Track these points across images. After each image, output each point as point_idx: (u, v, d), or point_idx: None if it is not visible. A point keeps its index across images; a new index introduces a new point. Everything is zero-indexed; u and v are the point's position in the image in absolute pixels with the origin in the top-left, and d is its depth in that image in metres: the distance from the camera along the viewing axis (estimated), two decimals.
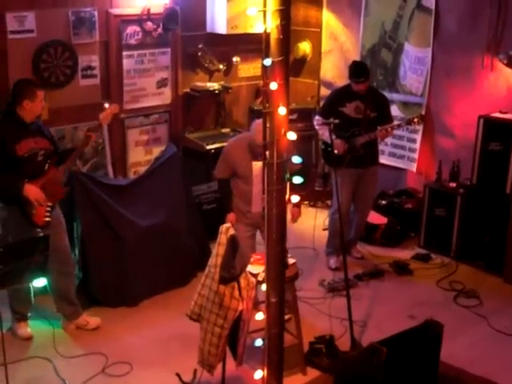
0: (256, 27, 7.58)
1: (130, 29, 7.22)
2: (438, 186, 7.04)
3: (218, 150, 6.82)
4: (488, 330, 5.60)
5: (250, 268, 4.69)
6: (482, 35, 6.73)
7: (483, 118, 6.54)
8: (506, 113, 6.52)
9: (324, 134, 6.27)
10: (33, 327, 5.44)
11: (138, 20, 7.26)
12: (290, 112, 3.43)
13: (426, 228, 7.12)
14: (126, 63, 7.28)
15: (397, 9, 7.55)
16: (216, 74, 8.03)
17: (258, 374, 3.71)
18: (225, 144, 6.11)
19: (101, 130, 6.61)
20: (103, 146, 7.14)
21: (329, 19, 8.31)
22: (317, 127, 6.49)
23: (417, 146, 7.53)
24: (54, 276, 5.35)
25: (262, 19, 3.23)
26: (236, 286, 4.19)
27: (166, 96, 7.70)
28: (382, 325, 5.48)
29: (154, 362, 5.09)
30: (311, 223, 7.07)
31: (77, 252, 5.78)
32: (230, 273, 4.13)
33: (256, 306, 4.78)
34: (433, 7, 7.13)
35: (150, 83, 7.52)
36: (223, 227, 4.30)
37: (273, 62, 3.20)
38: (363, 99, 6.34)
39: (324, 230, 7.08)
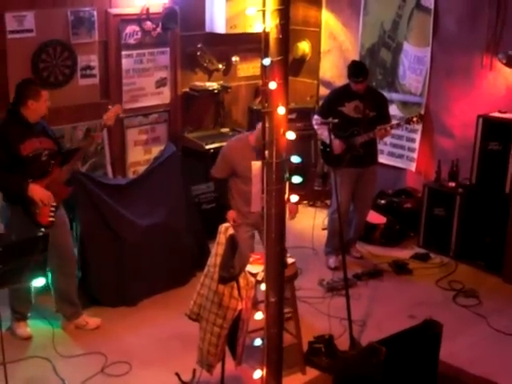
0: (255, 27, 7.58)
1: (129, 28, 7.22)
2: (437, 186, 7.04)
3: (217, 150, 6.80)
4: (487, 329, 5.60)
5: (250, 267, 4.69)
6: (482, 35, 6.73)
7: (482, 118, 6.54)
8: (505, 112, 6.52)
9: (323, 133, 6.27)
10: (32, 327, 5.44)
11: (137, 20, 7.26)
12: (289, 111, 3.43)
13: (425, 228, 7.12)
14: (125, 63, 7.27)
15: (396, 8, 7.55)
16: (215, 74, 8.02)
17: (257, 374, 3.71)
18: (224, 144, 6.11)
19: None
20: (102, 146, 7.13)
21: (328, 19, 8.31)
22: (316, 127, 6.49)
23: (416, 145, 7.53)
24: (56, 276, 5.36)
25: (261, 19, 3.23)
26: (235, 285, 4.19)
27: (165, 96, 7.70)
28: (382, 324, 5.48)
29: (154, 361, 5.09)
30: (310, 223, 7.08)
31: (76, 252, 5.77)
32: (230, 272, 4.13)
33: (255, 306, 4.79)
34: (432, 7, 7.13)
35: (149, 83, 7.52)
36: (222, 227, 4.30)
37: (272, 61, 3.20)
38: (362, 99, 6.35)
39: (323, 229, 7.09)
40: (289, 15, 3.19)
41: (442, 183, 7.01)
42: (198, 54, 7.78)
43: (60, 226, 5.26)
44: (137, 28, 7.27)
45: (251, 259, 4.88)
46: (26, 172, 5.00)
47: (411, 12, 7.39)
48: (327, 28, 8.33)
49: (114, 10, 7.05)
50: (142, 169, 7.15)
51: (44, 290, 5.37)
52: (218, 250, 4.24)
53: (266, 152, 3.33)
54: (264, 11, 3.19)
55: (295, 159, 3.43)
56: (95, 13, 6.87)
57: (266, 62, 3.21)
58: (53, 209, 5.14)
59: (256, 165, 5.21)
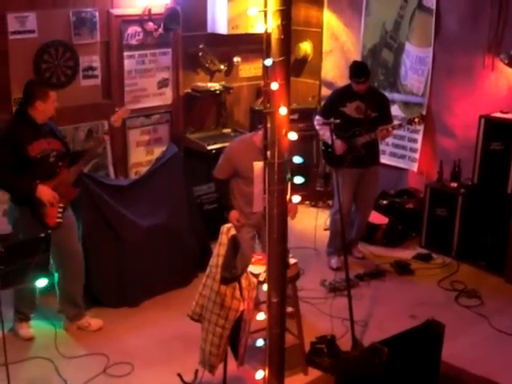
0: (257, 27, 7.59)
1: (131, 29, 7.23)
2: (439, 186, 7.04)
3: (219, 151, 6.81)
4: (489, 329, 5.60)
5: (251, 268, 4.69)
6: (483, 35, 6.73)
7: (484, 118, 6.54)
8: (507, 113, 6.52)
9: (325, 134, 6.27)
10: (34, 327, 5.45)
11: (139, 20, 7.26)
12: (291, 112, 3.43)
13: (427, 228, 7.12)
14: (127, 63, 7.28)
15: (398, 9, 7.55)
16: (217, 75, 8.03)
17: (260, 374, 3.71)
18: (226, 144, 6.11)
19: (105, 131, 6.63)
20: (104, 147, 7.14)
21: (330, 19, 8.31)
22: (317, 127, 6.49)
23: (418, 145, 7.53)
24: (62, 277, 5.37)
25: (262, 19, 3.23)
26: (237, 286, 4.19)
27: (167, 96, 7.70)
28: (384, 325, 5.48)
29: (156, 362, 5.10)
30: (312, 223, 7.08)
31: None
32: (231, 273, 4.13)
33: (257, 306, 4.79)
34: (434, 7, 7.13)
35: (151, 83, 7.53)
36: (224, 227, 4.30)
37: (274, 62, 3.19)
38: (364, 99, 6.34)
39: (325, 230, 7.08)
40: (290, 16, 3.19)
41: (444, 183, 7.00)
42: (200, 54, 7.79)
43: (68, 228, 5.27)
44: (139, 29, 7.28)
45: (253, 260, 4.88)
46: (33, 173, 5.01)
47: (413, 12, 7.39)
48: (329, 28, 8.33)
49: (115, 11, 7.05)
50: (143, 169, 7.15)
51: (46, 290, 5.37)
52: (219, 250, 4.24)
53: (268, 152, 3.33)
54: (266, 12, 3.19)
55: (297, 160, 3.43)
56: (97, 13, 6.87)
57: (268, 62, 3.21)
58: (60, 210, 5.15)
59: (258, 165, 5.21)
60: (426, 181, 7.33)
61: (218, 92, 7.89)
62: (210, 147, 7.46)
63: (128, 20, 7.18)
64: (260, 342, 3.74)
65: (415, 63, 7.45)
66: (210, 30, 7.86)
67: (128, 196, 6.11)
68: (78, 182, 5.41)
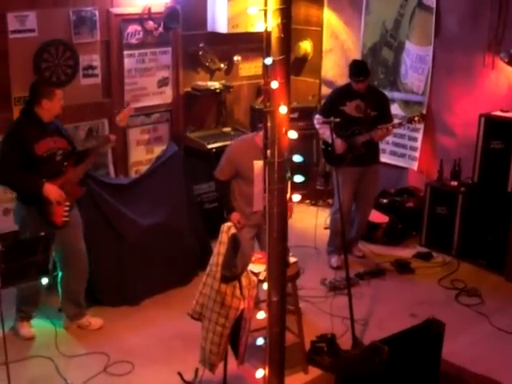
0: (257, 26, 7.59)
1: (131, 28, 7.22)
2: (439, 185, 7.04)
3: (220, 149, 6.82)
4: (489, 328, 5.60)
5: (252, 267, 4.69)
6: (483, 34, 6.72)
7: (484, 117, 6.53)
8: (507, 111, 6.51)
9: (325, 133, 6.26)
10: (35, 326, 5.45)
11: (139, 19, 7.26)
12: (291, 111, 3.43)
13: (427, 226, 7.12)
14: (127, 62, 7.28)
15: (398, 7, 7.55)
16: (217, 73, 8.03)
17: (260, 373, 3.72)
18: (226, 143, 6.09)
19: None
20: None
21: (330, 18, 8.31)
22: (317, 126, 6.49)
23: (418, 144, 7.53)
24: (65, 276, 5.37)
25: (262, 18, 3.24)
26: (237, 284, 4.19)
27: (167, 95, 7.70)
28: (384, 323, 5.48)
29: (156, 361, 5.10)
30: (312, 222, 7.08)
31: None
32: (232, 272, 4.13)
33: (257, 305, 4.79)
34: (434, 6, 7.12)
35: (151, 82, 7.52)
36: (224, 226, 4.30)
37: (274, 60, 3.20)
38: (363, 98, 6.35)
39: (325, 228, 7.08)
40: (290, 14, 3.19)
41: (444, 182, 7.00)
42: (200, 53, 7.78)
43: (73, 227, 5.28)
44: (139, 27, 7.27)
45: (253, 258, 4.89)
46: (40, 172, 5.01)
47: (413, 11, 7.39)
48: (329, 27, 8.33)
49: (115, 10, 7.05)
50: (144, 168, 7.16)
51: (46, 289, 5.38)
52: (220, 249, 4.24)
53: (268, 151, 3.33)
54: (266, 10, 3.20)
55: (297, 158, 3.43)
56: (97, 12, 6.87)
57: (268, 61, 3.21)
58: (67, 208, 5.15)
59: (258, 164, 5.20)
60: (426, 179, 7.33)
61: (218, 91, 7.88)
62: (210, 146, 7.45)
63: (128, 19, 7.18)
64: (260, 341, 3.74)
65: (415, 62, 7.44)
66: (210, 28, 7.86)
67: (128, 195, 6.11)
68: (83, 181, 5.43)
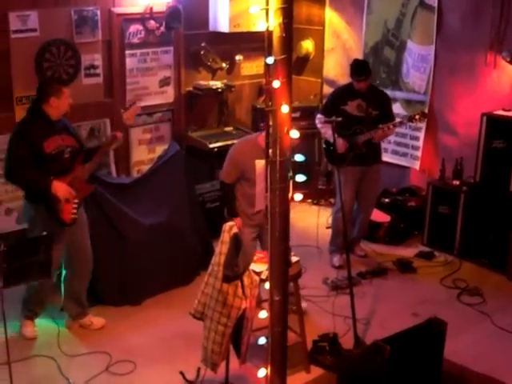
0: (259, 25, 7.50)
1: (133, 27, 7.22)
2: (441, 184, 7.04)
3: (221, 149, 6.83)
4: (491, 327, 5.60)
5: (254, 266, 4.70)
6: (485, 33, 6.72)
7: (486, 116, 6.53)
8: (509, 110, 6.51)
9: (327, 132, 6.27)
10: (37, 326, 5.44)
11: (141, 19, 7.25)
12: (293, 110, 3.44)
13: (429, 226, 7.12)
14: (129, 62, 7.28)
15: (400, 6, 7.54)
16: (219, 73, 8.02)
17: (262, 372, 3.72)
18: (228, 142, 6.08)
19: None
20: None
21: (331, 17, 8.30)
22: (319, 125, 6.49)
23: (420, 143, 7.52)
24: (69, 275, 5.37)
25: (264, 17, 3.24)
26: (239, 284, 4.19)
27: (168, 95, 7.70)
28: (386, 323, 5.48)
29: (158, 360, 5.10)
30: (314, 221, 7.07)
31: None
32: (234, 271, 4.13)
33: (259, 304, 4.79)
34: (435, 5, 7.12)
35: (152, 82, 7.52)
36: (226, 225, 4.30)
37: (275, 60, 3.20)
38: (365, 97, 6.35)
39: (327, 228, 7.09)
40: (292, 14, 3.19)
41: (446, 181, 7.00)
42: (202, 52, 7.78)
43: (80, 226, 5.28)
44: (140, 27, 7.27)
45: (255, 258, 4.89)
46: (48, 169, 5.02)
47: (415, 10, 7.38)
48: (331, 26, 8.33)
49: (117, 9, 7.05)
50: (145, 168, 7.16)
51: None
52: (222, 248, 4.24)
53: (270, 150, 3.33)
54: (267, 10, 3.20)
55: (299, 158, 3.43)
56: (99, 12, 6.87)
57: (270, 60, 3.21)
58: (75, 206, 5.16)
59: (260, 163, 5.19)
60: (428, 179, 7.32)
61: (219, 90, 7.88)
62: (211, 145, 7.45)
63: (130, 18, 7.17)
64: (262, 340, 3.75)
65: (417, 61, 7.44)
66: (211, 28, 7.85)
67: (130, 194, 6.11)
68: (92, 179, 5.43)
